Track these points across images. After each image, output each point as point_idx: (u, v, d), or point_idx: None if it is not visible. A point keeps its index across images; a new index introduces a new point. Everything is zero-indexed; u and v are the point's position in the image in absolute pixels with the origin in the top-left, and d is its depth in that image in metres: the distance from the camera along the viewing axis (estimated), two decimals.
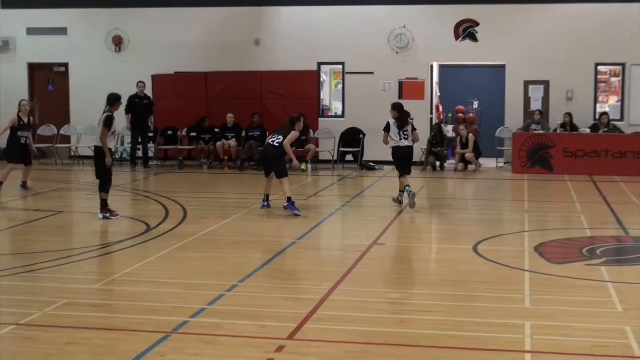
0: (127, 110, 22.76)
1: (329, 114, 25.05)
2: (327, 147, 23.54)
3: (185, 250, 12.22)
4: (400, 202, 16.41)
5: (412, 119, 16.70)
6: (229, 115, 23.26)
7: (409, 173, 16.46)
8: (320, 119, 24.26)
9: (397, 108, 16.47)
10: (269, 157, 16.13)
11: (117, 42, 25.00)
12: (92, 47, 25.06)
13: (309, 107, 23.59)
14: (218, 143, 23.19)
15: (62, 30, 25.19)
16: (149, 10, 24.75)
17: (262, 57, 24.37)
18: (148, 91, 24.00)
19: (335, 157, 23.53)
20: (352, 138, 23.79)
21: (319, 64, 24.48)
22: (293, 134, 15.93)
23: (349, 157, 23.90)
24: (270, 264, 11.28)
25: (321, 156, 23.56)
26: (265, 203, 16.23)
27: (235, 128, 23.39)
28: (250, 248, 12.42)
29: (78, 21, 25.12)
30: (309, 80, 24.15)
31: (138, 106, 23.14)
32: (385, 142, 16.48)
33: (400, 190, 16.40)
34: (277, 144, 15.89)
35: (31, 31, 25.30)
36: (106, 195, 14.86)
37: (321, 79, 24.94)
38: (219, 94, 24.10)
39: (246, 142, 23.09)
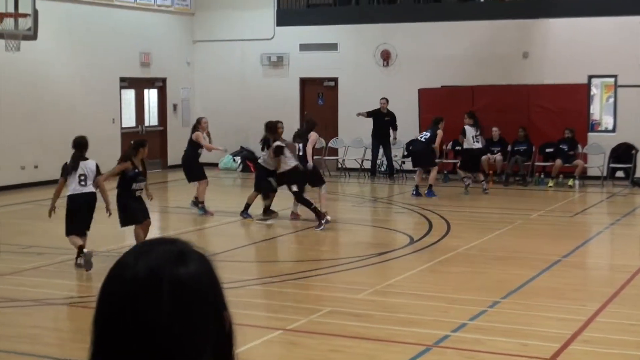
0: (368, 114, 23.90)
1: (599, 128, 24.19)
2: (596, 163, 22.73)
3: (448, 264, 12.20)
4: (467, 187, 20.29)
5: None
6: (494, 129, 23.00)
7: (477, 171, 20.93)
8: (589, 133, 23.47)
9: (472, 116, 20.85)
10: (416, 151, 19.89)
11: (386, 56, 25.40)
12: (361, 61, 25.61)
13: (578, 121, 22.90)
14: (483, 157, 22.99)
15: (332, 46, 25.94)
16: (418, 25, 24.97)
17: (529, 71, 23.93)
18: (414, 105, 24.23)
19: (604, 174, 22.68)
20: (624, 154, 22.83)
21: (590, 77, 23.70)
22: (440, 134, 19.50)
23: (619, 173, 22.94)
24: (534, 282, 11.03)
25: (590, 172, 22.78)
26: (414, 192, 19.61)
27: (500, 142, 23.10)
28: (514, 264, 12.20)
29: (348, 37, 25.76)
30: (579, 94, 23.44)
31: (380, 122, 23.82)
32: (462, 142, 20.92)
33: (483, 180, 20.58)
34: (423, 140, 19.52)
35: (304, 47, 26.23)
36: None
37: (591, 93, 24.15)
38: (484, 108, 23.87)
39: (512, 156, 22.75)
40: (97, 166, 11.90)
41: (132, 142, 13.08)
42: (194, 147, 17.13)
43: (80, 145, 11.94)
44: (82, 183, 11.63)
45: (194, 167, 17.14)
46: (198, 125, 17.11)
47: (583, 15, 23.25)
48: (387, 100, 23.90)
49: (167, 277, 1.63)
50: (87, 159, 11.85)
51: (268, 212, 16.55)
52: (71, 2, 22.58)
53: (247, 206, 16.45)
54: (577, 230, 15.78)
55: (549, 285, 10.94)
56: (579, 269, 12.32)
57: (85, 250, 11.52)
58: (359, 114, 23.68)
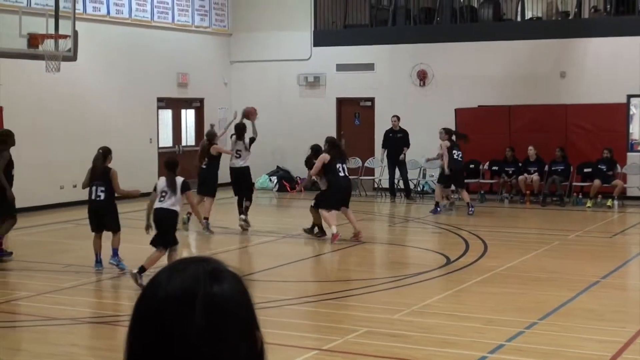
0: (383, 145, 24.00)
1: (639, 148, 23.98)
2: (636, 183, 22.52)
3: (485, 284, 12.13)
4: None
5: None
6: (531, 148, 22.88)
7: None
8: (628, 153, 23.25)
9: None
10: (457, 170, 20.05)
11: (422, 76, 25.39)
12: (397, 81, 25.61)
13: (617, 141, 22.71)
14: (520, 177, 22.86)
15: (369, 67, 25.96)
16: (454, 45, 24.93)
17: (567, 90, 23.79)
18: (450, 125, 24.13)
19: None
20: None
21: (629, 96, 23.52)
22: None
23: None
24: (572, 303, 10.93)
25: (629, 193, 22.57)
26: (439, 209, 20.09)
27: (537, 162, 22.97)
28: (552, 285, 12.09)
29: (385, 57, 25.77)
30: (617, 114, 23.26)
31: (393, 140, 23.75)
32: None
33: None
34: (461, 159, 20.21)
35: (340, 67, 26.29)
36: None
37: (630, 112, 23.95)
38: (522, 128, 23.79)
39: (549, 176, 22.60)
40: (184, 183, 11.95)
41: (100, 150, 13.52)
42: (216, 162, 17.36)
43: (169, 166, 12.22)
44: (161, 199, 11.82)
45: (213, 182, 17.29)
46: (213, 139, 17.35)
47: (621, 35, 23.10)
48: (398, 118, 23.96)
49: (200, 295, 1.65)
50: (176, 175, 12.02)
51: (313, 231, 16.68)
52: (110, 23, 22.82)
53: (314, 226, 16.58)
54: (616, 251, 15.62)
55: (588, 307, 10.83)
56: (618, 290, 12.19)
57: (134, 270, 11.65)
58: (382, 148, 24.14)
